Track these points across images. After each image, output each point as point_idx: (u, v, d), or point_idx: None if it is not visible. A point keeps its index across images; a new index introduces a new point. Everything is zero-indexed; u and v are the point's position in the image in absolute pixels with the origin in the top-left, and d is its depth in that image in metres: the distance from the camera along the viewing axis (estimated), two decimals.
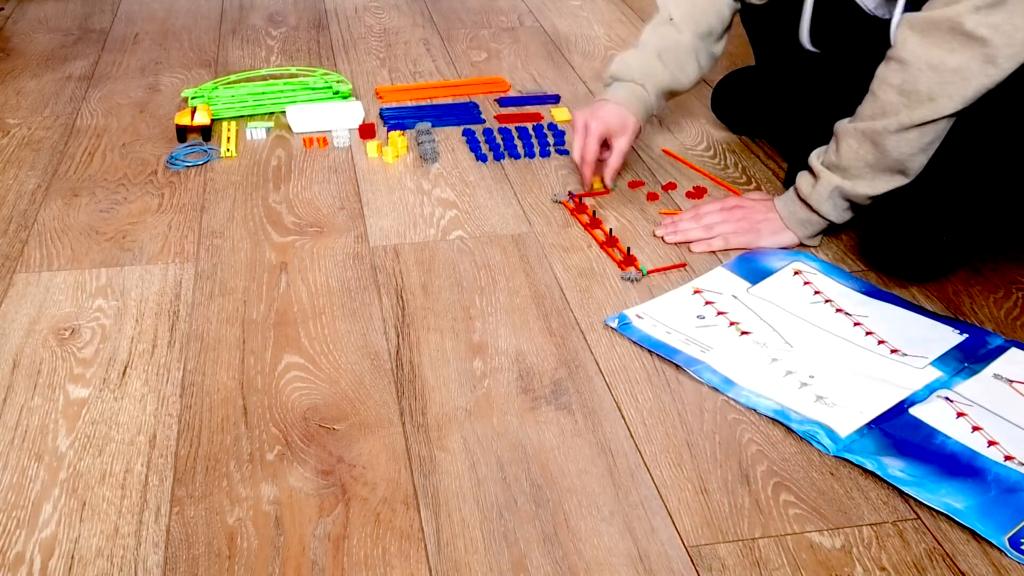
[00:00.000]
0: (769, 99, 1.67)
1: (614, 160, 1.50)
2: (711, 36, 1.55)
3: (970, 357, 1.19)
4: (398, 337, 1.24)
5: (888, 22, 1.32)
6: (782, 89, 1.62)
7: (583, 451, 1.07)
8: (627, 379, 1.17)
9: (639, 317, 1.26)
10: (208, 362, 1.20)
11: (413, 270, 1.37)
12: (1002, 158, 1.31)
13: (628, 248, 1.41)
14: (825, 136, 1.36)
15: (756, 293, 1.32)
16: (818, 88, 1.50)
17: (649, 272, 1.35)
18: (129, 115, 1.84)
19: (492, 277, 1.36)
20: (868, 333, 1.24)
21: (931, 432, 1.08)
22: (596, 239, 1.43)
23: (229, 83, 1.93)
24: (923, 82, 1.22)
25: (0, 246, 1.44)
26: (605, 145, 1.51)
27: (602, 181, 1.53)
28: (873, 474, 1.03)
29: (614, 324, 1.25)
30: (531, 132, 1.76)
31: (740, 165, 1.65)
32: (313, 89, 1.90)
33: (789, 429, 1.09)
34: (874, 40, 1.34)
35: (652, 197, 1.54)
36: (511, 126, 1.79)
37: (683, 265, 1.37)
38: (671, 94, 1.57)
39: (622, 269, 1.36)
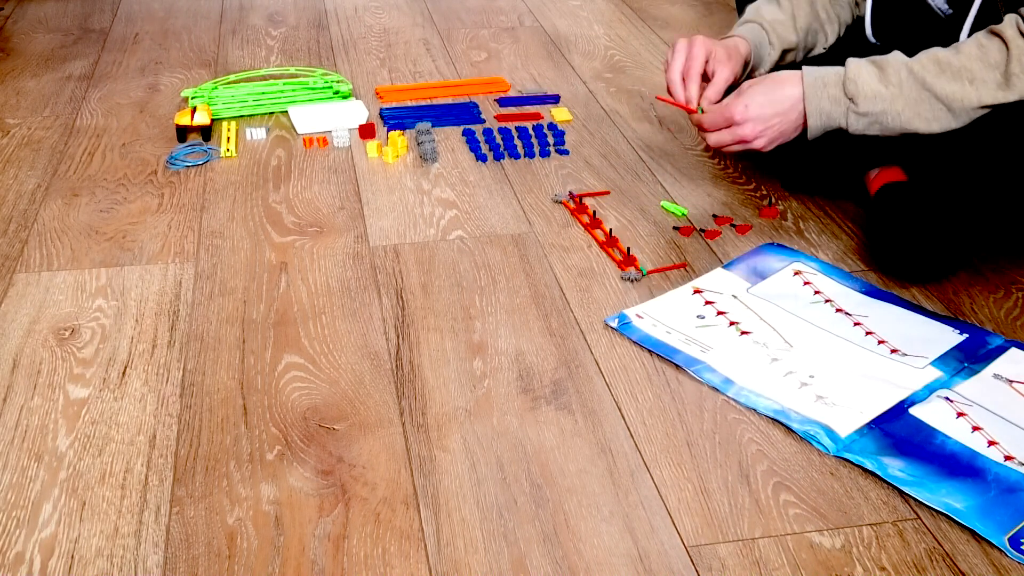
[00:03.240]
0: None
1: (710, 91, 1.38)
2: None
3: (970, 357, 1.19)
4: (398, 337, 1.24)
5: (950, 18, 1.33)
6: None
7: (583, 451, 1.07)
8: (627, 379, 1.17)
9: (639, 317, 1.26)
10: (208, 362, 1.20)
11: (413, 270, 1.37)
12: (1002, 159, 1.31)
13: (628, 248, 1.41)
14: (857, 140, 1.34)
15: (756, 293, 1.32)
16: None
17: (649, 272, 1.35)
18: (129, 115, 1.84)
19: (492, 277, 1.36)
20: (868, 333, 1.24)
21: (931, 432, 1.08)
22: (596, 239, 1.43)
23: (229, 83, 1.93)
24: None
25: (0, 246, 1.44)
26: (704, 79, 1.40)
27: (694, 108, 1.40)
28: (873, 474, 1.03)
29: (614, 324, 1.25)
30: (531, 132, 1.76)
31: (739, 165, 1.65)
32: (313, 89, 1.90)
33: (789, 429, 1.09)
34: (937, 34, 1.34)
35: (770, 213, 1.47)
36: (511, 126, 1.79)
37: (683, 265, 1.37)
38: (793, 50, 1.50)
39: (622, 269, 1.36)
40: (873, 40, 1.47)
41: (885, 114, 1.27)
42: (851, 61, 1.29)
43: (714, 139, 1.35)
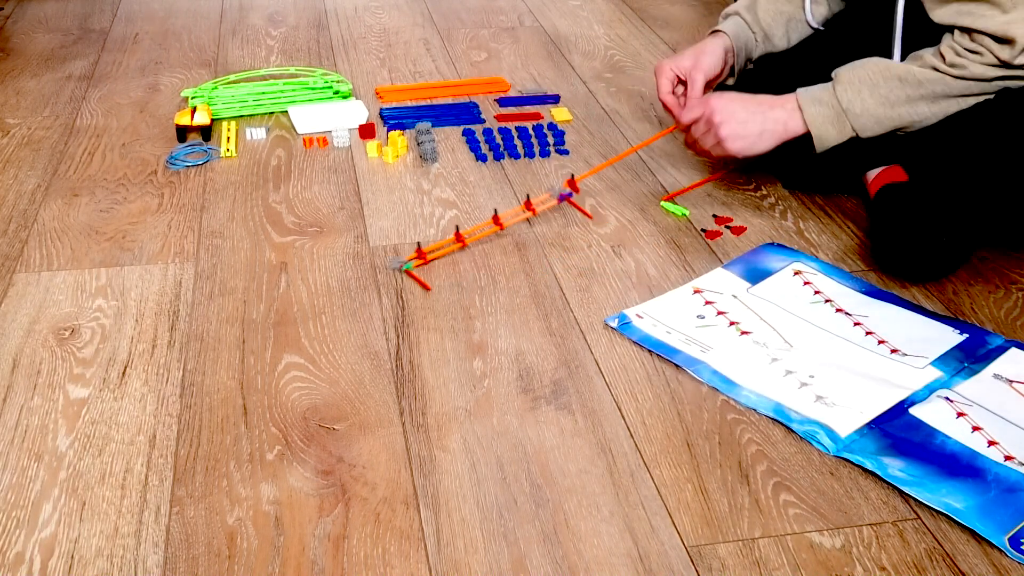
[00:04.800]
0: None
1: (690, 91, 1.50)
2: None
3: (970, 357, 1.19)
4: (398, 337, 1.24)
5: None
6: (780, 84, 1.62)
7: (583, 451, 1.07)
8: (627, 379, 1.17)
9: (639, 317, 1.27)
10: (208, 362, 1.20)
11: (413, 270, 1.37)
12: (1002, 158, 1.31)
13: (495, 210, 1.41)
14: None
15: (756, 293, 1.32)
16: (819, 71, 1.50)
17: (407, 272, 1.36)
18: (129, 115, 1.85)
19: (492, 277, 1.36)
20: (868, 333, 1.24)
21: (931, 432, 1.08)
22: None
23: (229, 83, 1.93)
24: None
25: (0, 246, 1.44)
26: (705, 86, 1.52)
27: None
28: (873, 474, 1.03)
29: (614, 324, 1.25)
30: (531, 132, 1.76)
31: (741, 166, 1.65)
32: (313, 89, 1.90)
33: (789, 429, 1.09)
34: (874, 17, 1.41)
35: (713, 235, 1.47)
36: (511, 126, 1.79)
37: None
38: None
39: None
40: (815, 24, 1.56)
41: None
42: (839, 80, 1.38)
43: (688, 122, 1.44)
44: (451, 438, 1.08)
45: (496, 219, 1.43)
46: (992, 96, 1.31)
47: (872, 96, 1.33)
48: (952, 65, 1.29)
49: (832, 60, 1.46)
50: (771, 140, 1.39)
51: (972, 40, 1.28)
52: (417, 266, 1.36)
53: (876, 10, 1.46)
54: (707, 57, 1.50)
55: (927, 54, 1.32)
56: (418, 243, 1.39)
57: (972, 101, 1.32)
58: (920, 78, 1.31)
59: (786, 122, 1.38)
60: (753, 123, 1.39)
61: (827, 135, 1.37)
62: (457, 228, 1.41)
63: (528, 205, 1.46)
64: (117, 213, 1.52)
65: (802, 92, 1.38)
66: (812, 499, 1.01)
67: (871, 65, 1.34)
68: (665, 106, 1.51)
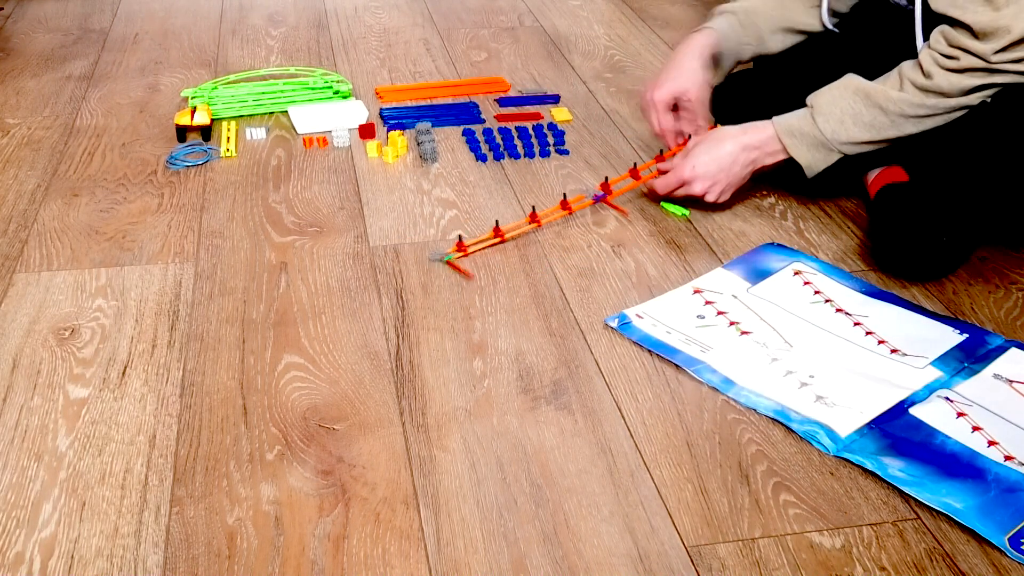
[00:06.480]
0: (769, 100, 1.67)
1: (686, 120, 1.50)
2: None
3: (970, 357, 1.19)
4: (398, 337, 1.24)
5: (910, 12, 1.37)
6: (782, 89, 1.62)
7: (583, 451, 1.07)
8: (627, 379, 1.17)
9: (639, 317, 1.27)
10: (208, 362, 1.20)
11: (413, 270, 1.37)
12: (1001, 158, 1.31)
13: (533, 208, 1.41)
14: None
15: (756, 293, 1.32)
16: (823, 77, 1.50)
17: (449, 263, 1.37)
18: (129, 115, 1.84)
19: (492, 277, 1.36)
20: (868, 333, 1.24)
21: (931, 432, 1.08)
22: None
23: (229, 83, 1.93)
24: None
25: (0, 246, 1.44)
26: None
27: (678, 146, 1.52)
28: (873, 474, 1.03)
29: (614, 324, 1.25)
30: (531, 132, 1.76)
31: None
32: (313, 89, 1.90)
33: (789, 429, 1.09)
34: (894, 24, 1.40)
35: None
36: (511, 126, 1.79)
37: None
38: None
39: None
40: (829, 26, 1.54)
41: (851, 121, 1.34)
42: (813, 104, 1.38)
43: (666, 194, 1.48)
44: (451, 438, 1.08)
45: (534, 216, 1.45)
46: (989, 99, 1.31)
47: (856, 125, 1.33)
48: (928, 76, 1.28)
49: (832, 60, 1.46)
50: (750, 173, 1.44)
51: (950, 45, 1.27)
52: (458, 258, 1.37)
53: (878, 14, 1.46)
54: (688, 63, 1.49)
55: (906, 67, 1.31)
56: (460, 235, 1.40)
57: (957, 115, 1.31)
58: (901, 105, 1.30)
59: (764, 160, 1.41)
60: (733, 173, 1.42)
61: (815, 162, 1.38)
62: (497, 223, 1.42)
63: (565, 204, 1.48)
64: (117, 213, 1.52)
65: (780, 125, 1.38)
66: (812, 499, 1.01)
67: (849, 93, 1.34)
68: (665, 138, 1.53)
